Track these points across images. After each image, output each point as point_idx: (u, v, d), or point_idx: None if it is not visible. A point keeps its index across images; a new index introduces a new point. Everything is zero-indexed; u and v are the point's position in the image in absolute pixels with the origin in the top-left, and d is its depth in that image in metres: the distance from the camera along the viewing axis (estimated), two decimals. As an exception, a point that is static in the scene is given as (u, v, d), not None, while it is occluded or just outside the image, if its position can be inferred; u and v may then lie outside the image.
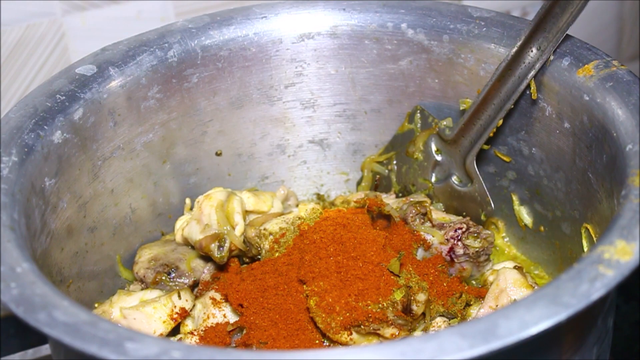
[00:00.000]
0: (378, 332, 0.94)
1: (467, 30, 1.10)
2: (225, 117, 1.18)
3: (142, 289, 1.06)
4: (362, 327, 0.93)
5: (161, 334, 0.98)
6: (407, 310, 0.96)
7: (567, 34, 1.00)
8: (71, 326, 0.73)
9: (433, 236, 1.05)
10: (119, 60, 1.08)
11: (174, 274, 1.06)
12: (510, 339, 0.69)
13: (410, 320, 0.96)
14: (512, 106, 1.05)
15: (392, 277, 0.96)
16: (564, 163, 1.04)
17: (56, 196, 0.98)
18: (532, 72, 1.02)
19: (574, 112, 1.00)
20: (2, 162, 0.92)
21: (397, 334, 0.94)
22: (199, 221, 1.07)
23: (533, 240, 1.14)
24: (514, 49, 1.02)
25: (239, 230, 1.07)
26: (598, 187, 0.96)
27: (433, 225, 1.07)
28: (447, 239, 1.05)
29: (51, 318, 0.74)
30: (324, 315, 0.93)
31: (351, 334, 0.93)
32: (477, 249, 1.05)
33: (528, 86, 1.03)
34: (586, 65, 0.98)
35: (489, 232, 1.06)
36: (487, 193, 1.11)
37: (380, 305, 0.93)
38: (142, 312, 0.98)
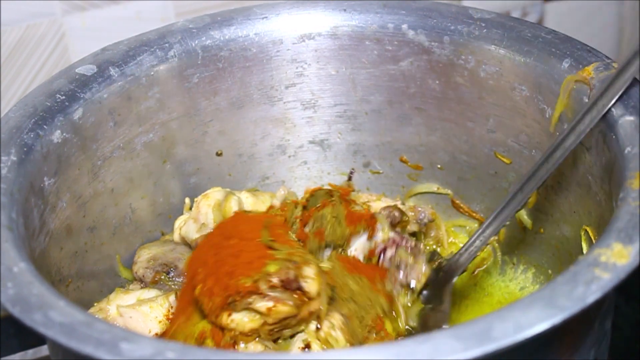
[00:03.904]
0: (251, 306, 0.90)
1: (467, 32, 1.10)
2: (226, 117, 1.18)
3: (141, 289, 1.06)
4: (236, 303, 0.90)
5: (156, 334, 0.98)
6: (292, 286, 0.91)
7: (566, 35, 1.00)
8: (67, 326, 0.73)
9: (383, 230, 1.04)
10: (119, 60, 1.08)
11: (173, 273, 1.07)
12: (505, 341, 0.69)
13: (303, 299, 0.91)
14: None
15: (268, 251, 0.93)
16: (563, 165, 1.04)
17: (55, 196, 0.99)
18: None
19: (574, 115, 0.99)
20: (1, 161, 0.92)
21: (274, 307, 0.89)
22: (195, 220, 1.07)
23: (533, 242, 1.14)
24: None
25: None
26: (597, 189, 0.96)
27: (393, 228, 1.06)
28: (390, 239, 1.04)
29: (47, 318, 0.74)
30: (206, 300, 0.91)
31: (230, 314, 0.90)
32: (402, 260, 1.03)
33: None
34: (586, 68, 0.98)
35: (424, 269, 1.04)
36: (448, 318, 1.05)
37: (252, 278, 0.89)
38: (138, 311, 0.98)
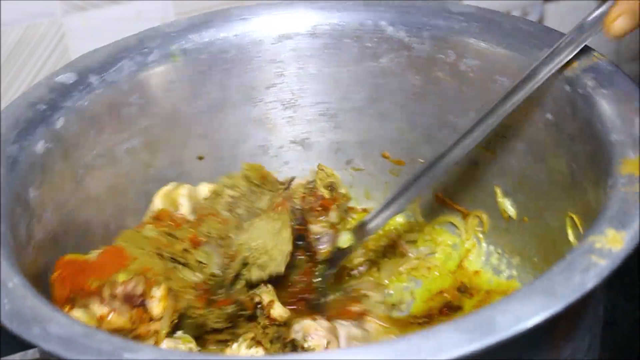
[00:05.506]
0: (88, 305, 0.90)
1: (447, 26, 1.10)
2: (207, 120, 1.17)
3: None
4: (77, 299, 0.90)
5: None
6: (136, 301, 0.91)
7: (547, 27, 1.01)
8: (66, 339, 0.73)
9: None
10: (98, 67, 1.07)
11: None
12: (508, 332, 0.70)
13: (143, 317, 0.91)
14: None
15: (128, 259, 0.94)
16: (547, 154, 1.05)
17: (40, 207, 0.97)
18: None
19: (556, 104, 1.00)
20: (-13, 175, 0.91)
21: (109, 316, 0.89)
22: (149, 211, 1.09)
23: (517, 231, 1.15)
24: None
25: (184, 210, 1.08)
26: (582, 177, 0.97)
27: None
28: None
29: (45, 332, 0.73)
30: (57, 287, 0.92)
31: (72, 308, 0.91)
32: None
33: None
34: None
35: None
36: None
37: (100, 281, 0.90)
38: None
